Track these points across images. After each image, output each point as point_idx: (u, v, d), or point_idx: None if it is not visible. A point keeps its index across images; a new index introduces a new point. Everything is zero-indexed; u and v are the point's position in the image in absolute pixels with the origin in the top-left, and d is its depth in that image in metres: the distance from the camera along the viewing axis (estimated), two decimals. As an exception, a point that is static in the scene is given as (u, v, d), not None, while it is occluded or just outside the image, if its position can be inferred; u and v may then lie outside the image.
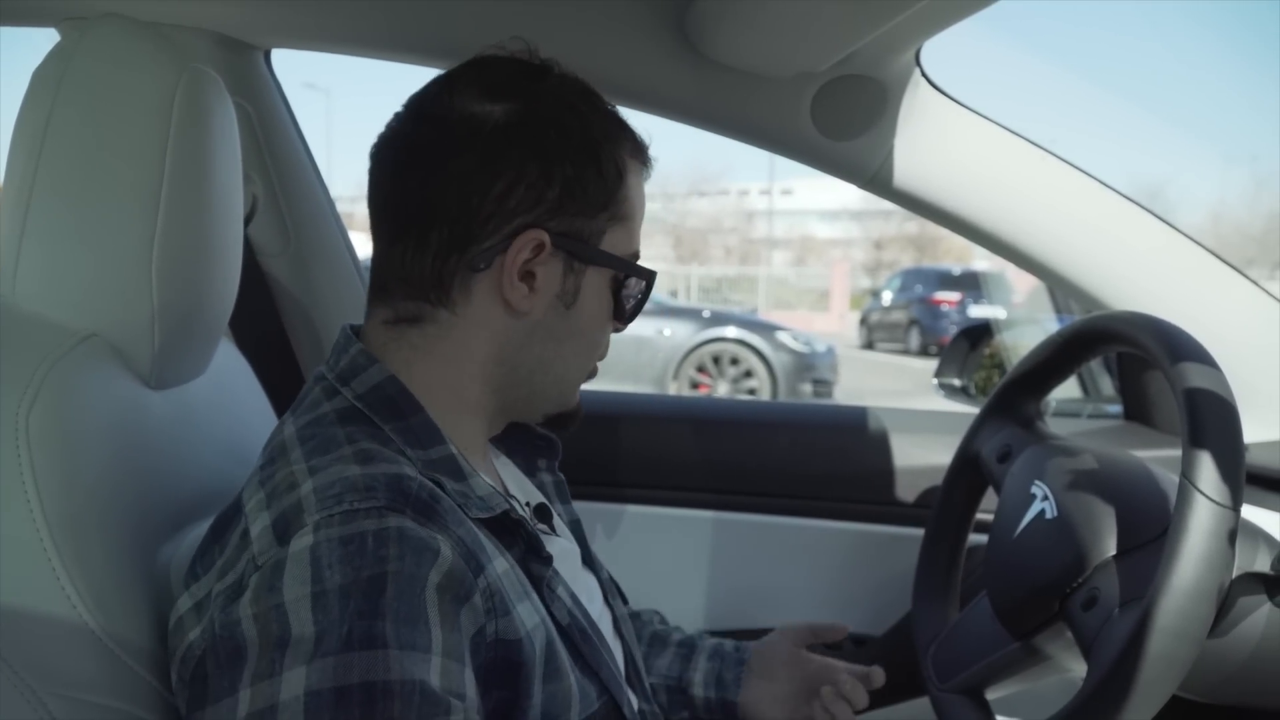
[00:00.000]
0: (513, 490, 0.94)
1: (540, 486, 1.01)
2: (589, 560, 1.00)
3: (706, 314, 8.61)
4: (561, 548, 0.92)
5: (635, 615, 1.19)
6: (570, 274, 0.83)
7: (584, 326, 0.85)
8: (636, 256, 0.88)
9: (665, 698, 1.12)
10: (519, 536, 0.79)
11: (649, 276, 0.88)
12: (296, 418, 0.80)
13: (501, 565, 0.74)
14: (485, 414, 0.86)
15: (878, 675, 1.06)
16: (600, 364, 0.92)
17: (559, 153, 0.80)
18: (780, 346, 8.10)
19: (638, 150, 0.87)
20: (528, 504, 0.93)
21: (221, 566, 0.71)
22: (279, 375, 1.39)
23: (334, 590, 0.64)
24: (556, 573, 0.81)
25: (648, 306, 0.92)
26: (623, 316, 0.88)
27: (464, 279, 0.81)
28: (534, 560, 0.79)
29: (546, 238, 0.80)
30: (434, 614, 0.66)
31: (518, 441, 1.01)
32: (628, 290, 0.87)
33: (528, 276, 0.81)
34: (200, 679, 0.68)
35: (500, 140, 0.79)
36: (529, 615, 0.74)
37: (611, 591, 1.01)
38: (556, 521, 0.96)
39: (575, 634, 0.80)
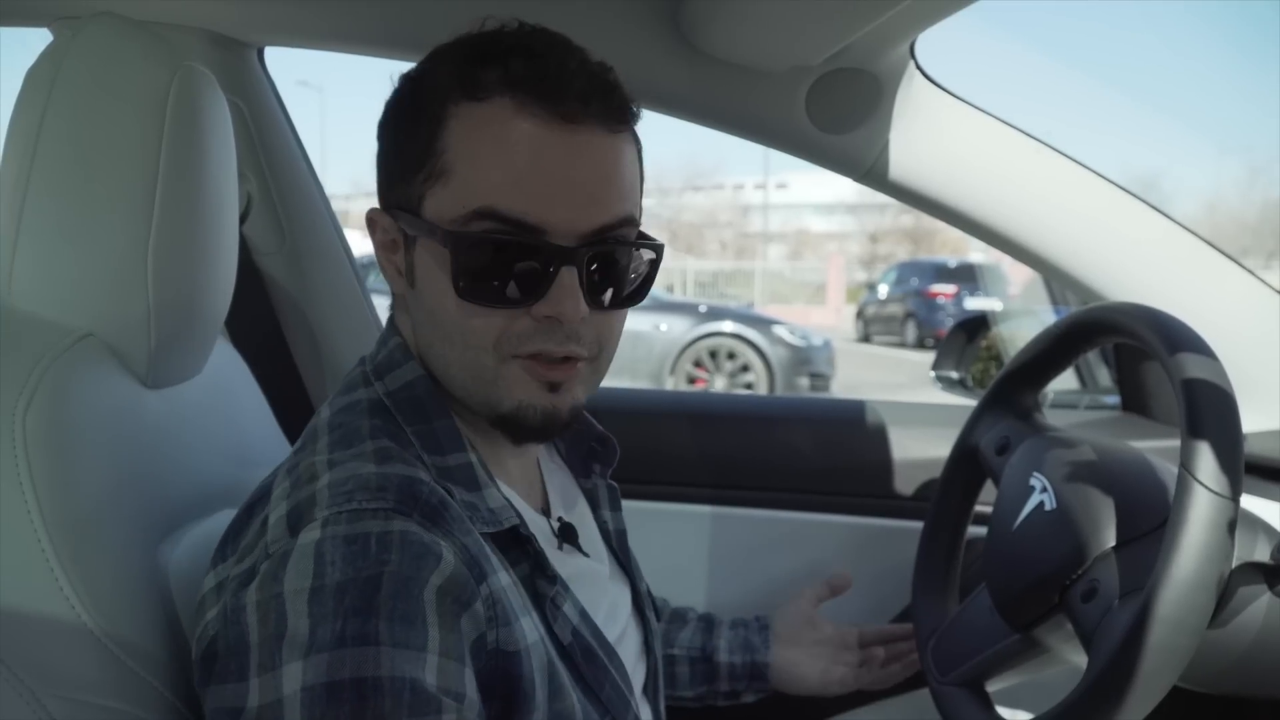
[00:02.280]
0: (554, 500, 0.91)
1: (592, 490, 0.98)
2: (625, 572, 0.97)
3: (703, 309, 8.60)
4: (583, 566, 0.88)
5: (667, 605, 1.20)
6: (405, 247, 0.79)
7: (431, 309, 0.77)
8: (482, 214, 0.72)
9: (688, 669, 1.12)
10: (526, 553, 0.79)
11: (458, 240, 0.72)
12: (334, 401, 0.81)
13: (504, 579, 0.74)
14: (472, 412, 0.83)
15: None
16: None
17: (385, 125, 0.80)
18: (777, 340, 8.10)
19: (482, 89, 0.73)
20: (559, 518, 0.89)
21: (242, 550, 0.72)
22: (275, 373, 1.39)
23: (331, 586, 0.64)
24: (565, 590, 0.80)
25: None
26: (455, 287, 0.73)
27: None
28: (540, 577, 0.79)
29: (379, 214, 0.80)
30: (431, 614, 0.66)
31: (574, 443, 0.99)
32: (465, 261, 0.73)
33: (393, 258, 0.81)
34: (211, 657, 0.69)
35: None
36: (529, 631, 0.74)
37: (647, 605, 0.99)
38: (589, 539, 0.92)
39: (577, 653, 0.79)
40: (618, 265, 0.77)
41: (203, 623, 0.72)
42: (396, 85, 0.81)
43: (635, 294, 0.80)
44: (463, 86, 0.74)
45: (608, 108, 0.74)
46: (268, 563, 0.68)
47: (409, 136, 0.77)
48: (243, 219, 1.42)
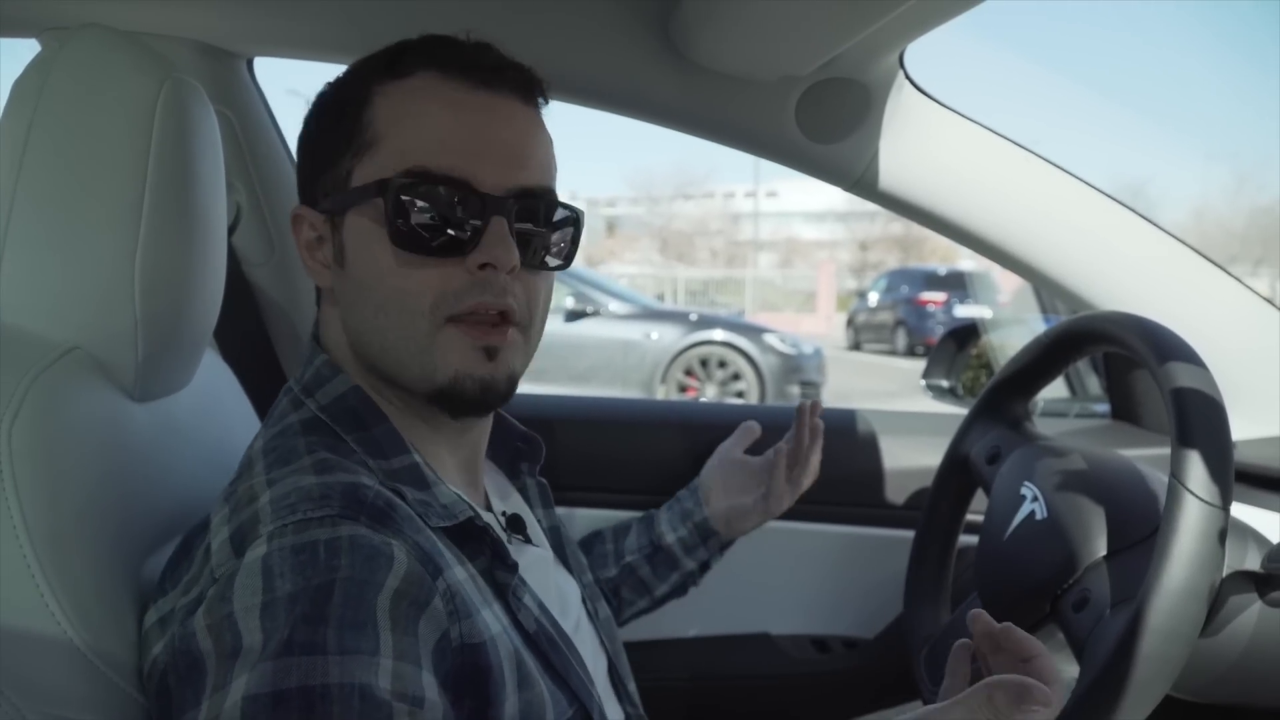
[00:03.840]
0: (493, 497, 0.93)
1: (522, 490, 1.00)
2: (568, 566, 0.99)
3: (693, 317, 8.58)
4: (534, 556, 0.91)
5: (596, 534, 1.23)
6: (336, 231, 0.81)
7: (362, 279, 0.79)
8: (413, 173, 0.75)
9: (648, 567, 1.17)
10: (484, 544, 0.79)
11: (392, 187, 0.75)
12: (266, 430, 0.80)
13: (461, 573, 0.74)
14: (407, 408, 0.82)
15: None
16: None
17: (304, 128, 0.84)
18: (767, 349, 8.09)
19: (403, 66, 0.80)
20: (503, 513, 0.92)
21: (186, 582, 0.71)
22: (264, 385, 1.38)
23: (283, 598, 0.63)
24: (523, 581, 0.81)
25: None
26: (397, 240, 0.75)
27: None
28: (499, 568, 0.79)
29: (305, 210, 0.83)
30: (384, 619, 0.64)
31: (499, 444, 1.00)
32: (397, 214, 0.75)
33: (326, 254, 0.82)
34: (164, 692, 0.68)
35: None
36: (492, 622, 0.73)
37: (595, 596, 1.01)
38: (533, 530, 0.95)
39: (543, 641, 0.79)
40: (543, 224, 0.81)
41: (150, 658, 0.71)
42: (315, 99, 0.84)
43: (562, 259, 0.84)
44: (387, 68, 0.80)
45: (521, 78, 0.81)
46: (214, 586, 0.67)
47: (332, 125, 0.80)
48: (231, 230, 1.41)
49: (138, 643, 0.75)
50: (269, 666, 0.61)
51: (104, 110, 0.80)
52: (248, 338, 1.47)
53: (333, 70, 0.86)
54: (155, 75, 0.81)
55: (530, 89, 0.82)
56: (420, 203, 0.74)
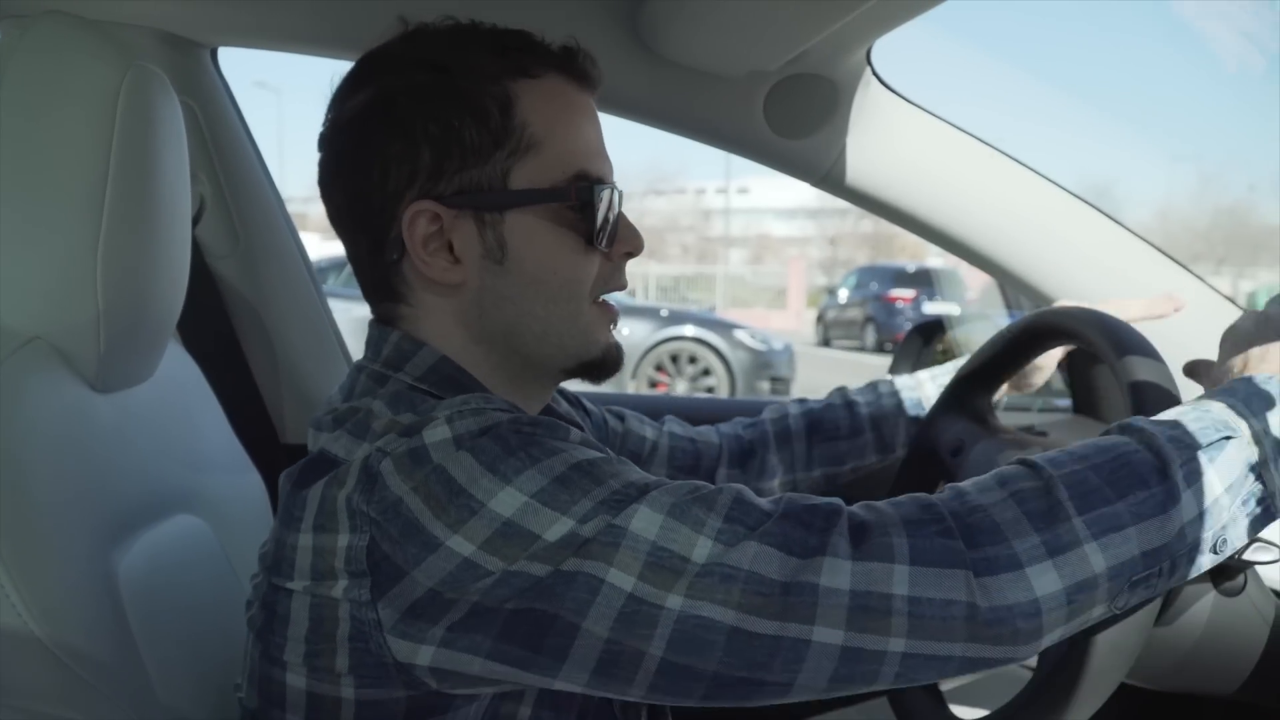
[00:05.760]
0: None
1: None
2: None
3: (664, 313, 8.61)
4: None
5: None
6: (485, 228, 0.79)
7: (535, 274, 0.80)
8: (581, 176, 0.81)
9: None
10: None
11: (590, 193, 0.80)
12: (349, 409, 0.77)
13: None
14: (509, 380, 0.84)
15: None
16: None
17: (417, 116, 0.78)
18: (738, 345, 8.13)
19: (533, 68, 0.81)
20: None
21: (325, 488, 0.70)
22: (229, 378, 1.37)
23: (485, 445, 0.68)
24: None
25: None
26: (594, 239, 0.81)
27: (395, 273, 0.80)
28: None
29: (434, 205, 0.77)
30: (587, 442, 0.72)
31: None
32: (580, 214, 0.80)
33: (443, 250, 0.79)
34: (381, 561, 0.67)
35: (361, 130, 0.80)
36: None
37: None
38: None
39: None
40: None
41: (338, 550, 0.68)
42: (386, 91, 0.79)
43: None
44: (517, 67, 0.80)
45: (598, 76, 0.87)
46: (391, 460, 0.68)
47: (466, 122, 0.77)
48: (195, 221, 1.40)
49: (104, 634, 0.74)
50: (531, 473, 0.67)
51: (65, 99, 0.79)
52: (212, 329, 1.46)
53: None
54: (117, 64, 0.81)
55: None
56: (597, 205, 0.81)
